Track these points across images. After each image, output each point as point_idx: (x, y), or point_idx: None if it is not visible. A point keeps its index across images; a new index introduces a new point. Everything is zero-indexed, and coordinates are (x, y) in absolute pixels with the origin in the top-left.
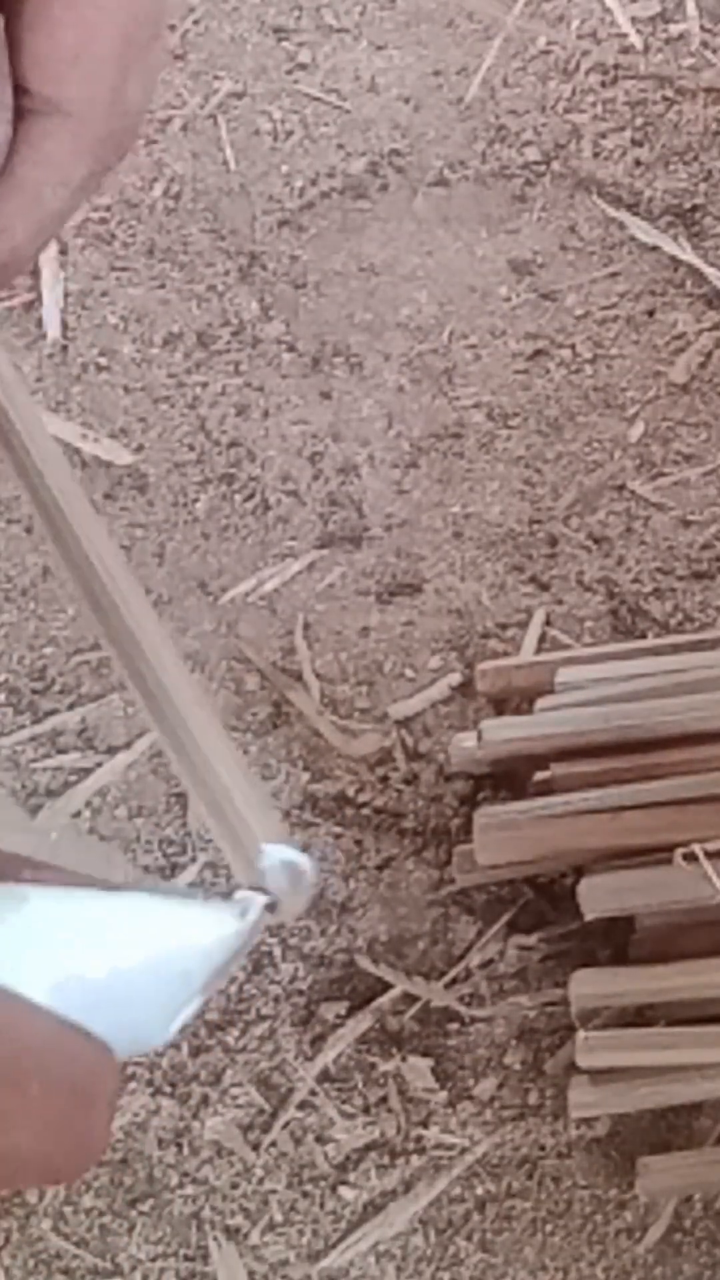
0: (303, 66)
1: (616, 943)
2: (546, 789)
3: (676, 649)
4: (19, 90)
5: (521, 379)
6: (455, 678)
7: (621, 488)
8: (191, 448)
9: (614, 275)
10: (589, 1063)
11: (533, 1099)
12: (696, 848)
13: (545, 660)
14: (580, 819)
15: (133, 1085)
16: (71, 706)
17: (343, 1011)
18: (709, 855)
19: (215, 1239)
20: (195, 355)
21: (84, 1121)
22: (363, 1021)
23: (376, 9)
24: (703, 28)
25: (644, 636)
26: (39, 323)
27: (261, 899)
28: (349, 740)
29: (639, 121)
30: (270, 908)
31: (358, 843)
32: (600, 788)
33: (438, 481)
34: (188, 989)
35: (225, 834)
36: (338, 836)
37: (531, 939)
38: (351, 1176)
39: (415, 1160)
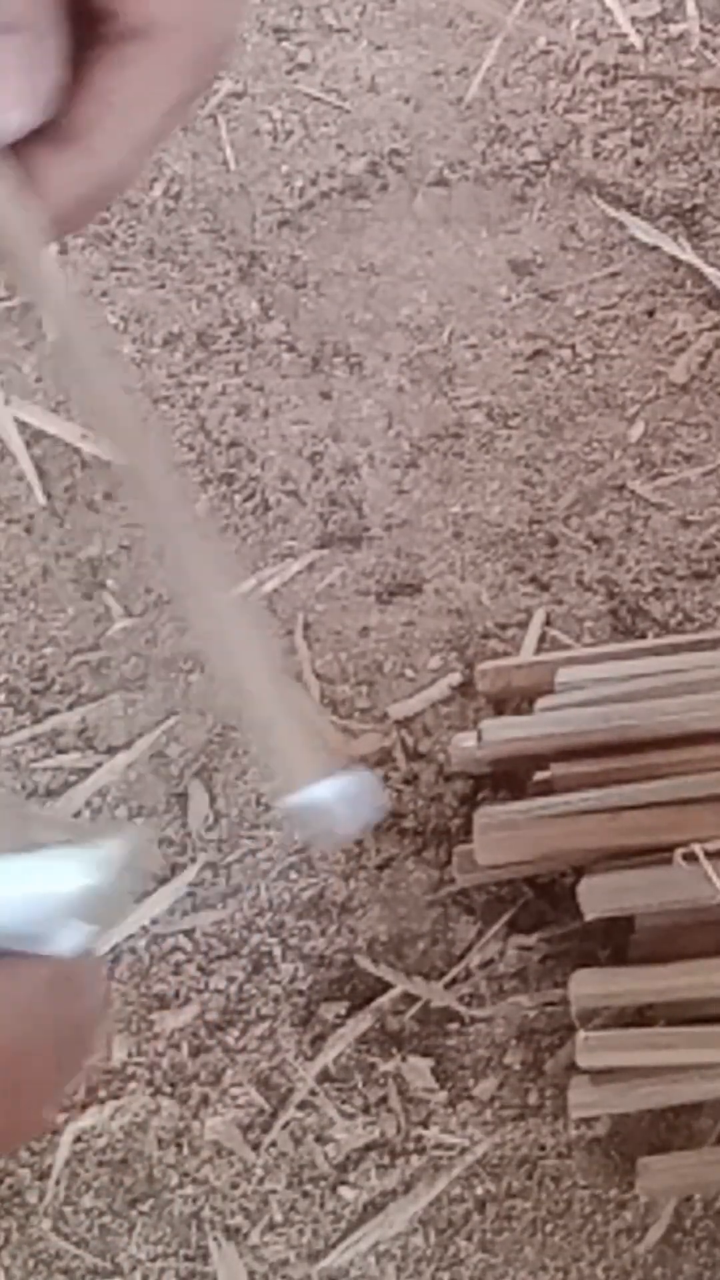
0: (303, 66)
1: (616, 943)
2: (546, 789)
3: (676, 649)
4: (106, 16)
5: (521, 379)
6: (455, 678)
7: (621, 488)
8: (191, 448)
9: (614, 275)
10: (589, 1063)
11: (533, 1099)
12: (696, 848)
13: (545, 660)
14: (580, 819)
15: (133, 1085)
16: (71, 706)
17: (343, 1011)
18: (709, 855)
19: (215, 1239)
20: (195, 355)
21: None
22: (363, 1021)
23: (376, 9)
24: (703, 28)
25: (644, 636)
26: (39, 323)
27: (121, 851)
28: (349, 740)
29: (639, 121)
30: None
31: (358, 843)
32: (600, 788)
33: (438, 481)
34: (50, 931)
35: (271, 767)
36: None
37: (531, 939)
38: (351, 1176)
39: (415, 1160)
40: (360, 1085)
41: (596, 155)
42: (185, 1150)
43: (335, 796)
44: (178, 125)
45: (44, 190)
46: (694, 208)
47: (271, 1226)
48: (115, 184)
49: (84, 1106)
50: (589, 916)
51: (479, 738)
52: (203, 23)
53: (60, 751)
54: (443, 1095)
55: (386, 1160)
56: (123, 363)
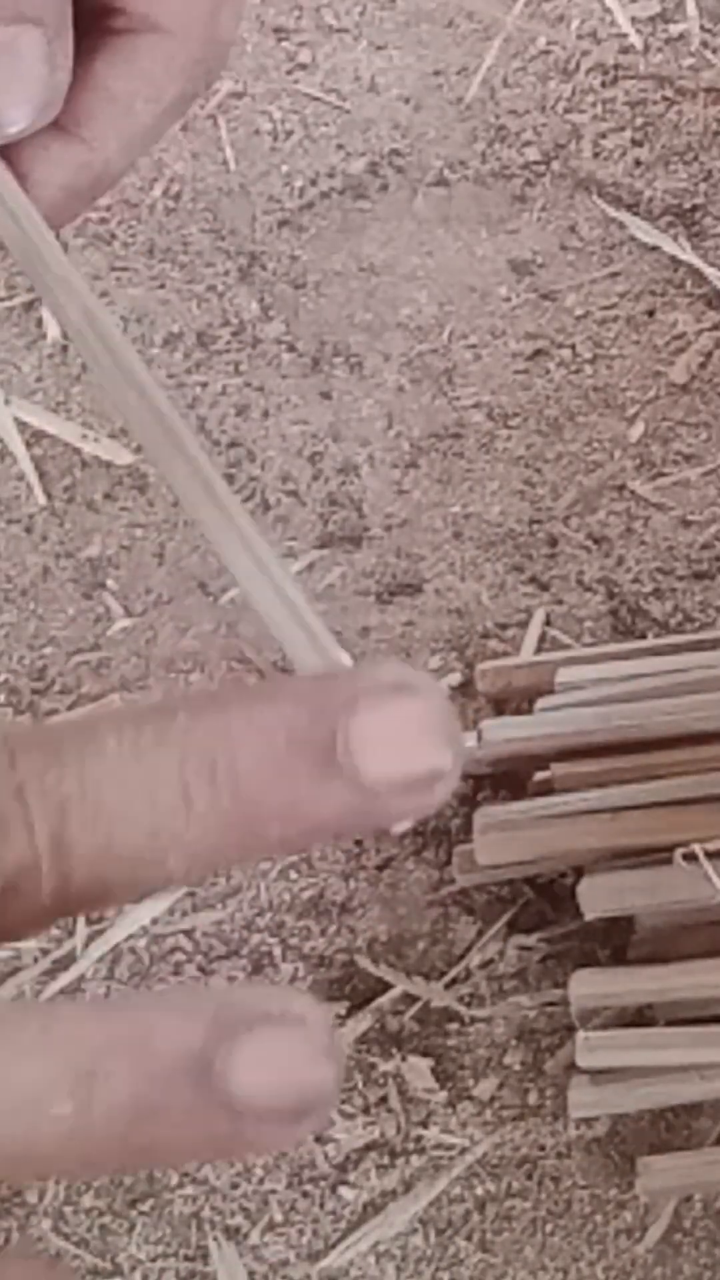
0: (303, 66)
1: (616, 943)
2: (546, 789)
3: (676, 649)
4: (113, 11)
5: (521, 379)
6: (455, 678)
7: (621, 488)
8: None
9: (614, 275)
10: (589, 1063)
11: (533, 1099)
12: (696, 848)
13: (545, 660)
14: (580, 819)
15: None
16: (71, 706)
17: (343, 1011)
18: (709, 855)
19: (215, 1239)
20: (195, 355)
21: None
22: (363, 1021)
23: (376, 9)
24: (703, 28)
25: (644, 636)
26: (39, 323)
27: None
28: None
29: (639, 121)
30: None
31: (358, 843)
32: (600, 788)
33: (438, 481)
34: None
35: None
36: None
37: (531, 939)
38: (351, 1176)
39: (415, 1160)
40: (360, 1085)
41: (596, 155)
42: None
43: None
44: (173, 125)
45: (34, 179)
46: (694, 208)
47: (271, 1226)
48: (107, 177)
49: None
50: (589, 916)
51: (479, 738)
52: (207, 24)
53: None
54: (443, 1095)
55: (386, 1160)
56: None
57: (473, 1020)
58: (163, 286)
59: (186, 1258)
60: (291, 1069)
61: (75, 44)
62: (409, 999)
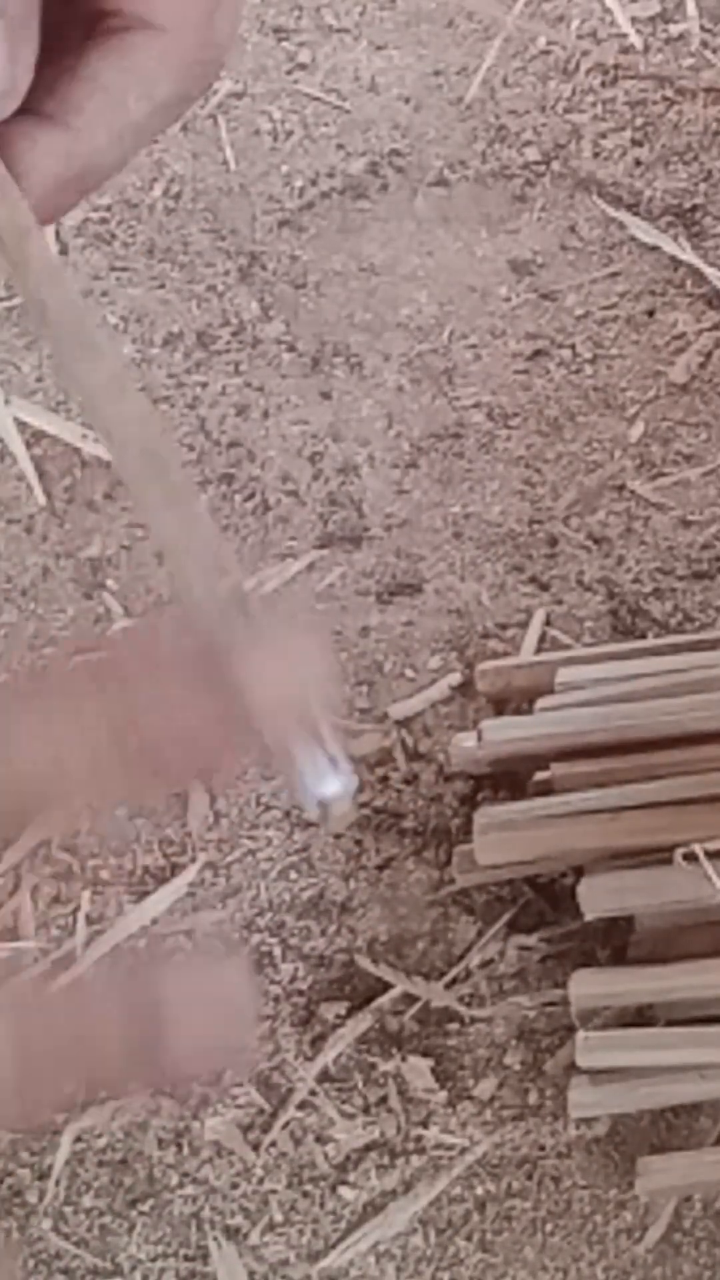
0: (303, 66)
1: (616, 943)
2: (546, 789)
3: (676, 649)
4: (109, 14)
5: (521, 379)
6: (455, 678)
7: (621, 488)
8: (191, 448)
9: (614, 275)
10: (589, 1063)
11: (533, 1099)
12: (696, 848)
13: (545, 660)
14: (580, 819)
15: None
16: None
17: (343, 1011)
18: (709, 855)
19: (215, 1239)
20: (195, 355)
21: None
22: (363, 1021)
23: (376, 9)
24: (703, 28)
25: (644, 636)
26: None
27: None
28: (348, 740)
29: (639, 121)
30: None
31: (358, 843)
32: (600, 788)
33: (438, 481)
34: None
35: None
36: (338, 837)
37: (531, 939)
38: (351, 1176)
39: (415, 1160)
40: (360, 1085)
41: (596, 155)
42: (185, 1150)
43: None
44: (168, 125)
45: (22, 168)
46: (694, 208)
47: (271, 1226)
48: (97, 169)
49: (84, 1106)
50: (589, 916)
51: (479, 738)
52: (204, 26)
53: None
54: (443, 1095)
55: (386, 1160)
56: (118, 348)
57: (473, 1020)
58: (163, 286)
59: (186, 1258)
60: (213, 1034)
61: (70, 44)
62: (409, 999)
